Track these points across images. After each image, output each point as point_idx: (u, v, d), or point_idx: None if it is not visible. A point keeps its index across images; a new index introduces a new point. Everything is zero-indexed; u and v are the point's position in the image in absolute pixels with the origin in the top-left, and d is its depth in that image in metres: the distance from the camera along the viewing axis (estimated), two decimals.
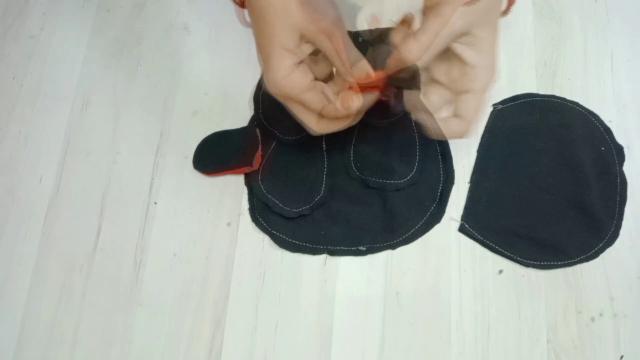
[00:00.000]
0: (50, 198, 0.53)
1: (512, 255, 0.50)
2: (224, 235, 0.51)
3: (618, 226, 0.51)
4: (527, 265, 0.50)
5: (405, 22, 0.43)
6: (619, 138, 0.54)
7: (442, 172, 0.53)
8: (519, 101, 0.55)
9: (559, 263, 0.50)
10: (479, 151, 0.53)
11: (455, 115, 0.44)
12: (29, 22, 0.59)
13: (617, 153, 0.53)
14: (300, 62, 0.41)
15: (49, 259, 0.51)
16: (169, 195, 0.53)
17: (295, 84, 0.41)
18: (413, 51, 0.40)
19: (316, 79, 0.43)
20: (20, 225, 0.52)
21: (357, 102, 0.42)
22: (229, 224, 0.52)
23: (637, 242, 0.51)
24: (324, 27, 0.39)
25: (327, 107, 0.42)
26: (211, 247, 0.51)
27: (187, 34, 0.58)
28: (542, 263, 0.50)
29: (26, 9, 0.60)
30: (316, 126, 0.43)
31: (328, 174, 0.52)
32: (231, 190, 0.53)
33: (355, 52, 0.41)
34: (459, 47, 0.42)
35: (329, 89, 0.43)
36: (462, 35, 0.41)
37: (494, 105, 0.55)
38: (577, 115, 0.54)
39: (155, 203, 0.52)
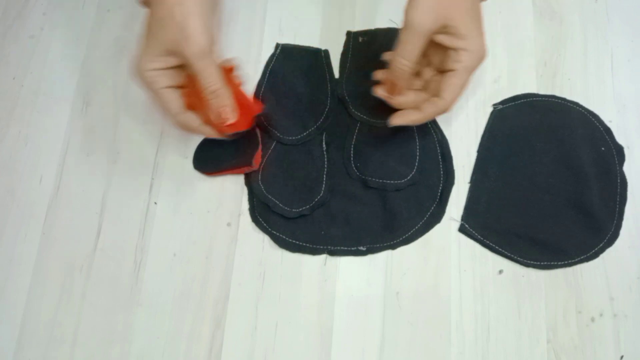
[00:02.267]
0: (50, 198, 0.53)
1: (512, 255, 0.50)
2: (224, 235, 0.51)
3: (618, 226, 0.51)
4: (527, 265, 0.50)
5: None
6: (619, 138, 0.54)
7: (442, 172, 0.53)
8: (519, 101, 0.55)
9: (559, 263, 0.50)
10: (479, 151, 0.53)
11: (435, 94, 0.46)
12: (29, 22, 0.59)
13: (617, 153, 0.53)
14: (161, 69, 0.45)
15: (49, 259, 0.51)
16: (169, 195, 0.53)
17: (148, 81, 0.45)
18: (401, 61, 0.45)
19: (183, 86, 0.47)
20: (21, 225, 0.52)
21: (232, 119, 0.47)
22: (229, 224, 0.52)
23: (637, 242, 0.51)
24: (189, 52, 0.43)
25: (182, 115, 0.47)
26: (211, 247, 0.51)
27: None
28: (542, 263, 0.50)
29: (26, 9, 0.60)
30: (176, 119, 0.46)
31: (328, 174, 0.52)
32: (231, 190, 0.53)
33: (215, 83, 0.45)
34: (439, 37, 0.45)
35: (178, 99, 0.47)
36: (439, 30, 0.44)
37: (494, 105, 0.55)
38: (577, 116, 0.54)
39: (155, 203, 0.53)
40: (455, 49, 0.44)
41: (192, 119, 0.47)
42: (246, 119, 0.49)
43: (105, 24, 0.59)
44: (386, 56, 0.48)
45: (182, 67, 0.46)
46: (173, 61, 0.45)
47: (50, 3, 0.60)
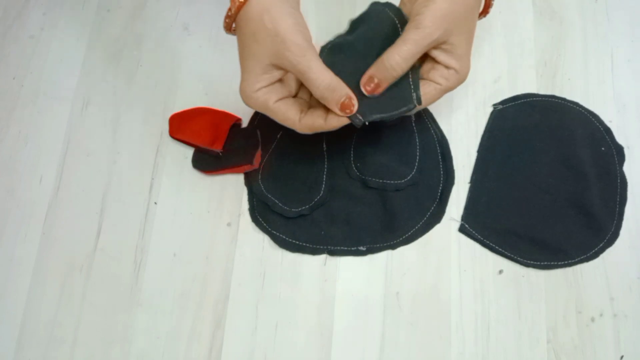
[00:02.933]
0: (50, 198, 0.53)
1: (512, 256, 0.50)
2: (224, 236, 0.51)
3: (618, 226, 0.51)
4: (527, 265, 0.50)
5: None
6: (619, 138, 0.54)
7: (442, 172, 0.53)
8: (519, 101, 0.55)
9: (559, 263, 0.50)
10: (479, 151, 0.53)
11: None
12: (29, 22, 0.59)
13: (617, 153, 0.53)
14: (268, 85, 0.44)
15: (49, 259, 0.51)
16: (169, 195, 0.53)
17: (256, 104, 0.44)
18: (397, 60, 0.43)
19: (295, 95, 0.47)
20: (21, 225, 0.52)
21: (355, 107, 0.44)
22: (229, 224, 0.52)
23: (637, 242, 0.51)
24: (291, 56, 0.42)
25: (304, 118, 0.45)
26: (211, 247, 0.51)
27: (187, 34, 0.58)
28: (542, 263, 0.50)
29: (26, 9, 0.60)
30: (299, 125, 0.45)
31: (328, 174, 0.52)
32: (231, 190, 0.53)
33: (327, 79, 0.43)
34: (434, 52, 0.44)
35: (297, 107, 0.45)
36: (440, 43, 0.43)
37: (494, 105, 0.55)
38: (577, 116, 0.54)
39: (156, 203, 0.53)
40: (446, 67, 0.44)
41: (315, 117, 0.45)
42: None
43: (106, 24, 0.59)
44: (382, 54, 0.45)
45: (288, 77, 0.46)
46: (277, 74, 0.44)
47: (50, 3, 0.60)
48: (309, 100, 0.47)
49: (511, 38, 0.57)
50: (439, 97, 0.46)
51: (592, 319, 0.49)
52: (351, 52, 0.46)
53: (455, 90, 0.55)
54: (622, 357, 0.48)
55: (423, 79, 0.45)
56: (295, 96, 0.47)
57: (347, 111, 0.44)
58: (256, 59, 0.43)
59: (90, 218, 0.52)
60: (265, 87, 0.44)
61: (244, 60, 0.44)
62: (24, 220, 0.52)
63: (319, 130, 0.45)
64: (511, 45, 0.57)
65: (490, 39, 0.57)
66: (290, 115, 0.45)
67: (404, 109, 0.44)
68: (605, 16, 0.58)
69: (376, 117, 0.44)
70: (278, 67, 0.44)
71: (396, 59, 0.43)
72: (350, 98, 0.43)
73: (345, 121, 0.44)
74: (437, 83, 0.45)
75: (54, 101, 0.56)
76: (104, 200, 0.53)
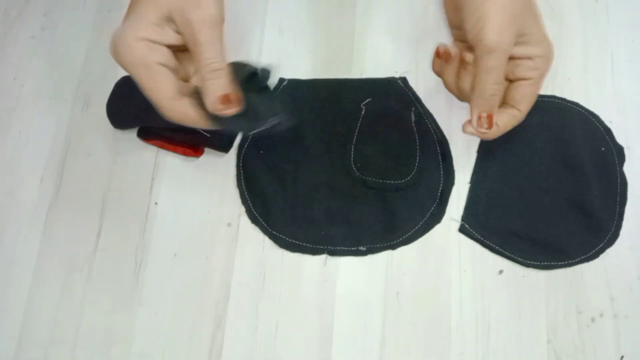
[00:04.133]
0: (50, 198, 0.53)
1: (513, 256, 0.50)
2: (225, 236, 0.51)
3: (618, 226, 0.51)
4: (527, 265, 0.50)
5: (444, 55, 0.44)
6: (619, 138, 0.54)
7: (442, 172, 0.53)
8: None
9: (559, 263, 0.50)
10: (479, 151, 0.53)
11: (506, 104, 0.44)
12: (29, 22, 0.59)
13: (618, 153, 0.53)
14: (159, 44, 0.38)
15: (49, 259, 0.51)
16: (169, 195, 0.53)
17: (133, 55, 0.37)
18: (493, 89, 0.41)
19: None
20: (21, 226, 0.52)
21: (233, 110, 0.39)
22: (229, 224, 0.52)
23: (637, 242, 0.51)
24: (197, 17, 0.36)
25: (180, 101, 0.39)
26: (212, 247, 0.51)
27: None
28: (542, 263, 0.50)
29: (27, 9, 0.60)
30: (166, 106, 0.39)
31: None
32: (231, 190, 0.53)
33: (220, 61, 0.38)
34: (513, 49, 0.41)
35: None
36: (518, 39, 0.41)
37: None
38: (577, 116, 0.54)
39: (156, 203, 0.53)
40: (531, 58, 0.41)
41: (190, 106, 0.39)
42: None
43: (106, 24, 0.59)
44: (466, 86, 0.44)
45: (176, 48, 0.39)
46: (170, 35, 0.38)
47: (51, 3, 0.60)
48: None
49: None
50: (539, 89, 0.43)
51: (593, 319, 0.49)
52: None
53: None
54: (622, 357, 0.48)
55: (511, 81, 0.43)
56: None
57: (220, 107, 0.38)
58: (155, 5, 0.37)
59: (91, 218, 0.52)
60: (152, 41, 0.37)
61: (137, 3, 0.37)
62: (25, 221, 0.52)
63: (187, 122, 0.39)
64: None
65: None
66: (167, 88, 0.38)
67: (273, 121, 0.41)
68: (605, 16, 0.58)
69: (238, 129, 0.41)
70: (174, 26, 0.37)
71: (490, 86, 0.41)
72: (230, 98, 0.38)
73: (208, 126, 0.40)
74: (529, 78, 0.42)
75: (55, 101, 0.56)
76: (104, 200, 0.53)
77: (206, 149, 0.54)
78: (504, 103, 0.45)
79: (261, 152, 0.53)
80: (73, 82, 0.57)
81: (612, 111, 0.55)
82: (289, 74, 0.56)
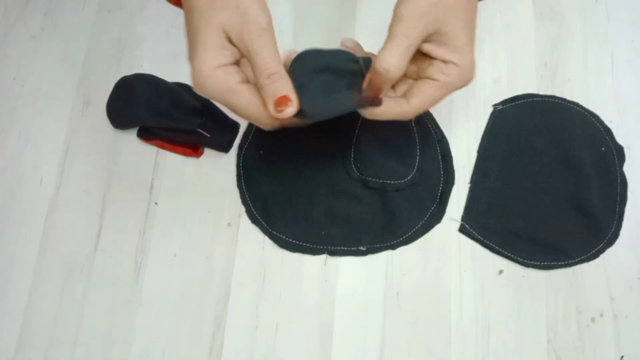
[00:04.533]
0: (50, 198, 0.53)
1: (513, 256, 0.50)
2: (225, 236, 0.51)
3: (618, 226, 0.51)
4: (527, 265, 0.50)
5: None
6: (619, 138, 0.54)
7: (442, 172, 0.53)
8: (519, 102, 0.55)
9: (560, 263, 0.50)
10: (479, 151, 0.53)
11: (406, 95, 0.42)
12: (30, 22, 0.59)
13: (618, 153, 0.53)
14: (229, 64, 0.39)
15: (49, 259, 0.51)
16: (169, 195, 0.53)
17: (216, 85, 0.38)
18: (391, 61, 0.39)
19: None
20: (21, 226, 0.52)
21: (291, 109, 0.39)
22: (229, 224, 0.52)
23: (637, 242, 0.51)
24: (247, 29, 0.38)
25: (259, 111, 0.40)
26: (212, 248, 0.51)
27: None
28: (542, 263, 0.50)
29: (27, 9, 0.60)
30: (265, 118, 0.40)
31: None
32: (231, 190, 0.53)
33: (275, 66, 0.39)
34: (427, 46, 0.40)
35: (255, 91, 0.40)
36: (431, 34, 0.39)
37: (494, 105, 0.55)
38: (577, 116, 0.54)
39: (156, 203, 0.53)
40: (444, 61, 0.40)
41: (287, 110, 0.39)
42: None
43: (106, 24, 0.59)
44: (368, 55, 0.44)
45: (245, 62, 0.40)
46: (235, 52, 0.39)
47: (51, 3, 0.60)
48: None
49: (511, 38, 0.57)
50: (439, 96, 0.41)
51: (593, 319, 0.49)
52: (314, 58, 0.43)
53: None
54: (622, 357, 0.48)
55: (420, 78, 0.42)
56: None
57: (279, 109, 0.39)
58: (215, 30, 0.38)
59: (91, 218, 0.52)
60: (224, 65, 0.38)
61: (198, 32, 0.38)
62: (25, 220, 0.52)
63: (290, 123, 0.40)
64: (511, 46, 0.57)
65: (490, 39, 0.57)
66: (255, 100, 0.39)
67: (344, 107, 0.41)
68: (605, 16, 0.58)
69: (319, 115, 0.41)
70: (230, 44, 0.39)
71: (388, 58, 0.39)
72: (285, 99, 0.39)
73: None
74: (434, 79, 0.40)
75: (55, 101, 0.56)
76: (104, 200, 0.53)
77: (206, 149, 0.54)
78: (407, 94, 0.42)
79: (261, 152, 0.53)
80: (73, 82, 0.57)
81: (612, 111, 0.55)
82: None
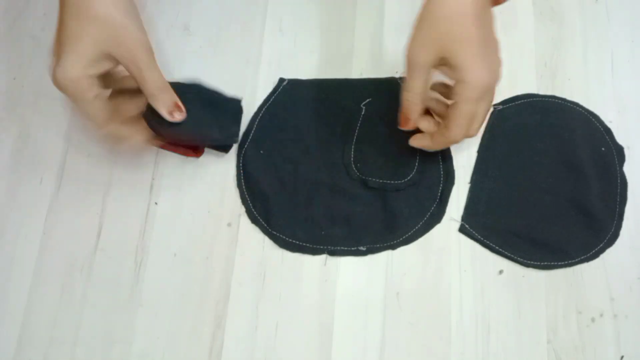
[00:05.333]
0: (51, 198, 0.53)
1: (513, 256, 0.50)
2: (225, 236, 0.51)
3: (618, 226, 0.51)
4: (527, 265, 0.50)
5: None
6: (619, 138, 0.54)
7: (442, 172, 0.53)
8: (520, 102, 0.55)
9: (560, 263, 0.50)
10: (479, 151, 0.53)
11: (445, 124, 0.46)
12: (30, 22, 0.59)
13: (618, 153, 0.53)
14: (94, 76, 0.42)
15: (49, 259, 0.51)
16: (169, 195, 0.53)
17: (75, 91, 0.42)
18: (409, 100, 0.46)
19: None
20: (21, 226, 0.52)
21: (181, 115, 0.46)
22: (229, 224, 0.52)
23: (637, 242, 0.51)
24: (135, 46, 0.42)
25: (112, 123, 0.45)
26: (212, 247, 0.51)
27: (187, 35, 0.58)
28: (542, 263, 0.50)
29: (27, 9, 0.60)
30: (99, 134, 0.46)
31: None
32: (231, 190, 0.53)
33: (164, 80, 0.45)
34: (442, 69, 0.45)
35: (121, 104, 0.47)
36: (440, 63, 0.44)
37: (495, 105, 0.55)
38: (577, 116, 0.54)
39: (156, 203, 0.53)
40: (458, 81, 0.43)
41: (123, 127, 0.46)
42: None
43: None
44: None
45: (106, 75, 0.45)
46: (106, 65, 0.43)
47: (51, 3, 0.60)
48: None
49: (511, 38, 0.57)
50: (465, 115, 0.44)
51: (593, 319, 0.49)
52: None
53: None
54: (622, 357, 0.48)
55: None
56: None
57: (176, 115, 0.46)
58: (93, 43, 0.41)
59: (91, 218, 0.52)
60: (90, 76, 0.42)
61: (75, 38, 0.41)
62: (25, 221, 0.52)
63: (122, 141, 0.46)
64: (511, 46, 0.57)
65: None
66: (99, 116, 0.44)
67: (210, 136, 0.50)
68: (605, 16, 0.58)
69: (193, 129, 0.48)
70: (109, 58, 0.42)
71: (405, 93, 0.46)
72: (178, 106, 0.46)
73: (150, 144, 0.48)
74: (453, 100, 0.44)
75: (55, 101, 0.56)
76: (104, 200, 0.53)
77: (206, 149, 0.54)
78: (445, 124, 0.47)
79: (261, 152, 0.53)
80: None
81: (612, 111, 0.55)
82: (289, 74, 0.56)
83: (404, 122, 0.48)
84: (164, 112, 0.45)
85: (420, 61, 0.44)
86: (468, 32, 0.43)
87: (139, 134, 0.47)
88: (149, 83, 0.43)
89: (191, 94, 0.49)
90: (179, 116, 0.46)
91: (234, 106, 0.53)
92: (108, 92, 0.47)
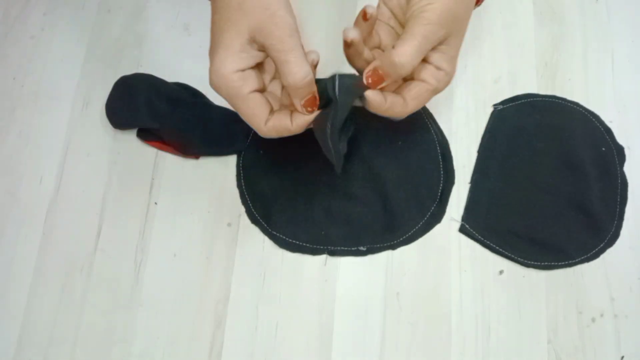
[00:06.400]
0: (50, 198, 0.53)
1: (513, 256, 0.50)
2: (225, 236, 0.51)
3: (618, 227, 0.51)
4: (527, 265, 0.50)
5: (367, 17, 0.42)
6: (620, 138, 0.54)
7: (442, 172, 0.53)
8: (520, 101, 0.55)
9: (560, 263, 0.50)
10: (479, 151, 0.53)
11: (402, 94, 0.43)
12: (29, 22, 0.59)
13: (618, 153, 0.53)
14: (248, 68, 0.40)
15: (49, 259, 0.51)
16: (169, 195, 0.53)
17: (228, 88, 0.40)
18: (406, 55, 0.40)
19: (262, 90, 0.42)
20: (21, 226, 0.52)
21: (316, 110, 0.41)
22: (229, 224, 0.52)
23: (637, 242, 0.51)
24: (278, 33, 0.38)
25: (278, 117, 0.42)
26: (211, 248, 0.51)
27: (187, 35, 0.58)
28: (542, 263, 0.50)
29: (27, 9, 0.60)
30: (265, 127, 0.42)
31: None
32: (231, 190, 0.53)
33: (306, 69, 0.40)
34: (429, 52, 0.42)
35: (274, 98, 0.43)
36: (441, 43, 0.41)
37: (495, 105, 0.55)
38: (577, 116, 0.54)
39: (156, 203, 0.53)
40: (437, 67, 0.42)
41: (284, 119, 0.41)
42: None
43: (106, 25, 0.59)
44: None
45: (266, 63, 0.41)
46: (256, 56, 0.40)
47: (51, 3, 0.60)
48: (280, 97, 0.44)
49: (511, 38, 0.57)
50: (428, 100, 0.43)
51: (593, 320, 0.49)
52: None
53: (455, 91, 0.55)
54: (622, 357, 0.48)
55: (412, 79, 0.43)
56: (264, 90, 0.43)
57: (309, 109, 0.41)
58: (238, 32, 0.38)
59: (91, 218, 0.52)
60: (242, 70, 0.39)
61: (221, 32, 0.39)
62: (25, 221, 0.52)
63: (284, 134, 0.42)
64: (511, 45, 0.57)
65: (490, 39, 0.57)
66: (259, 112, 0.41)
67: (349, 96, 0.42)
68: (605, 16, 0.58)
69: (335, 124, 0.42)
70: (258, 46, 0.39)
71: (407, 55, 0.39)
72: (315, 97, 0.41)
73: (308, 120, 0.42)
74: (429, 83, 0.42)
75: (55, 101, 0.56)
76: (104, 200, 0.53)
77: None
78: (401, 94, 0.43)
79: (261, 152, 0.53)
80: (73, 82, 0.57)
81: (613, 111, 0.55)
82: None
83: (378, 80, 0.41)
84: (297, 105, 0.41)
85: (435, 37, 0.40)
86: (465, 28, 0.42)
87: (298, 126, 0.42)
88: (289, 73, 0.39)
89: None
90: (313, 113, 0.41)
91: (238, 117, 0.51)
92: (267, 85, 0.43)
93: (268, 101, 0.42)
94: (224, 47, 0.39)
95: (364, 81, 0.42)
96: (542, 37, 0.57)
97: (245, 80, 0.40)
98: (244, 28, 0.38)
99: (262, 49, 0.40)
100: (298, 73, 0.39)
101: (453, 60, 0.42)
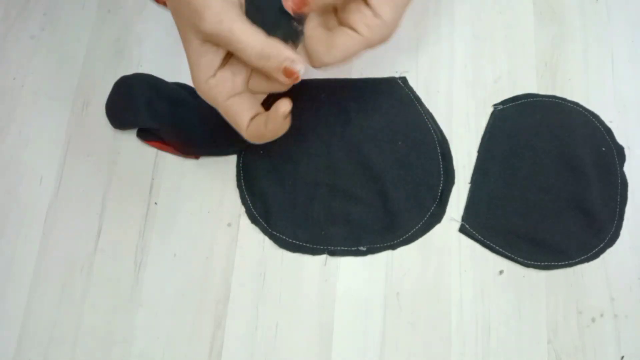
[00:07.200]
0: (50, 198, 0.53)
1: (513, 256, 0.50)
2: (225, 236, 0.51)
3: (619, 227, 0.51)
4: (527, 265, 0.50)
5: None
6: (620, 138, 0.54)
7: (442, 172, 0.53)
8: (520, 102, 0.55)
9: (560, 263, 0.50)
10: (479, 151, 0.53)
11: (324, 41, 0.38)
12: (29, 22, 0.59)
13: (618, 153, 0.53)
14: (218, 69, 0.38)
15: (49, 260, 0.51)
16: (169, 195, 0.53)
17: (208, 98, 0.39)
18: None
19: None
20: (21, 226, 0.52)
21: (302, 68, 0.37)
22: (229, 225, 0.52)
23: (637, 242, 0.51)
24: (212, 29, 0.35)
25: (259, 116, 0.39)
26: (211, 248, 0.51)
27: None
28: (542, 263, 0.50)
29: (27, 9, 0.60)
30: (246, 132, 0.40)
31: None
32: (231, 190, 0.53)
33: (260, 40, 0.36)
34: None
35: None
36: None
37: (495, 105, 0.55)
38: (577, 116, 0.54)
39: (156, 203, 0.53)
40: (373, 13, 0.36)
41: (260, 125, 0.39)
42: None
43: (106, 25, 0.59)
44: None
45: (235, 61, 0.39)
46: (215, 55, 0.37)
47: (51, 3, 0.60)
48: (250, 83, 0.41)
49: (511, 38, 0.57)
50: (357, 52, 0.37)
51: (593, 320, 0.49)
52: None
53: (455, 91, 0.55)
54: (622, 357, 0.48)
55: (341, 24, 0.37)
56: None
57: (295, 77, 0.36)
58: (189, 39, 0.37)
59: (91, 218, 0.52)
60: (213, 75, 0.37)
61: (184, 44, 0.38)
62: (24, 221, 0.52)
63: (264, 139, 0.40)
64: (511, 45, 0.57)
65: (490, 39, 0.57)
66: (239, 119, 0.39)
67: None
68: (605, 16, 0.58)
69: None
70: (211, 44, 0.37)
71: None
72: (292, 60, 0.36)
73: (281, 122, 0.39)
74: (358, 32, 0.36)
75: (54, 101, 0.56)
76: (104, 200, 0.53)
77: None
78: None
79: (261, 152, 0.53)
80: (73, 82, 0.57)
81: (613, 111, 0.55)
82: None
83: (301, 4, 0.36)
84: (281, 79, 0.37)
85: None
86: None
87: (271, 131, 0.40)
88: (245, 57, 0.36)
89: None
90: (299, 72, 0.37)
91: None
92: (241, 90, 0.40)
93: (249, 102, 0.40)
94: (189, 55, 0.38)
95: (286, 9, 0.37)
96: (542, 37, 0.57)
97: (218, 88, 0.38)
98: (190, 32, 0.37)
99: (216, 45, 0.37)
100: (252, 52, 0.36)
101: (398, 8, 0.36)
